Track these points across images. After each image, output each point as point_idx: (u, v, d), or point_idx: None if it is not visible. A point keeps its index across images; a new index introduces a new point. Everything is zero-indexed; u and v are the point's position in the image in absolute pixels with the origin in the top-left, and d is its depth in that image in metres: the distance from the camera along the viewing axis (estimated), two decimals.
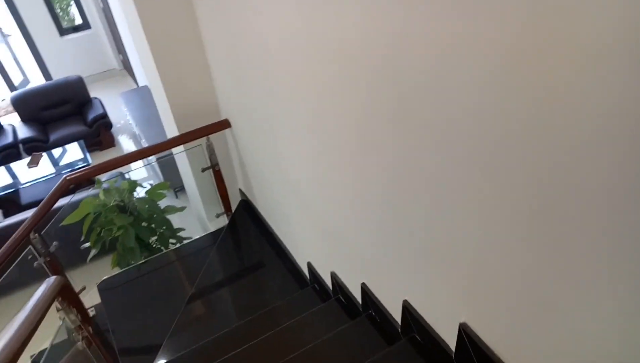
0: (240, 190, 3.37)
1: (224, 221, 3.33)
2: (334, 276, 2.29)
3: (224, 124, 2.97)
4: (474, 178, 1.03)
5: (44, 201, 2.69)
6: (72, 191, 4.01)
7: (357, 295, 2.09)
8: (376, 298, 1.93)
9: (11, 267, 2.64)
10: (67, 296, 1.61)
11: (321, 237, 2.22)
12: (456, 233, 1.19)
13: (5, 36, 8.14)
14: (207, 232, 3.41)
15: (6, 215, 5.11)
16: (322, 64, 1.46)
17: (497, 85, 0.86)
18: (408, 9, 0.99)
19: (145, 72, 3.40)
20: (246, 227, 3.27)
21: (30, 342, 1.40)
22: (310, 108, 1.69)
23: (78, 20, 7.45)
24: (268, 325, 2.46)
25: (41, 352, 2.60)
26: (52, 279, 1.59)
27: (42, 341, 2.55)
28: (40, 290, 1.49)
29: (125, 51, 6.53)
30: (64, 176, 2.65)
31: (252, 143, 2.68)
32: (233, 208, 3.33)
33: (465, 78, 0.92)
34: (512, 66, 0.81)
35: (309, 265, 2.56)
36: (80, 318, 1.66)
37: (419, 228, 1.35)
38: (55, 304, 1.57)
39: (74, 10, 7.47)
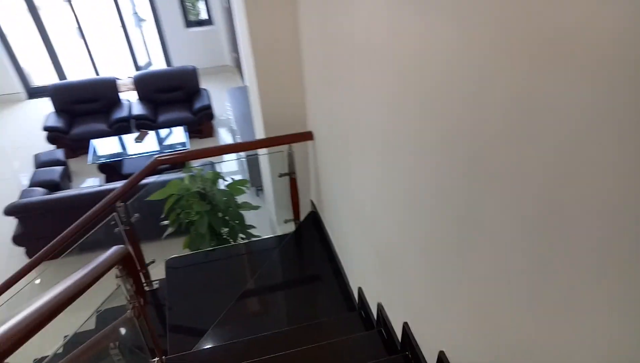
0: (311, 201, 3.44)
1: (291, 227, 3.42)
2: (380, 308, 2.26)
3: (308, 136, 3.07)
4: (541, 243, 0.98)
5: (134, 175, 2.95)
6: (164, 171, 4.36)
7: (399, 332, 2.04)
8: (415, 341, 1.88)
9: (97, 227, 2.94)
10: (127, 266, 1.75)
11: (375, 266, 2.21)
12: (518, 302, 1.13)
13: (140, 21, 9.04)
14: (274, 235, 3.52)
15: (107, 180, 5.67)
16: (401, 90, 1.47)
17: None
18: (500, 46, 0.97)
19: (247, 72, 3.61)
20: (310, 238, 3.33)
21: (89, 297, 1.56)
22: (383, 135, 1.71)
23: (203, 16, 8.08)
24: (308, 338, 2.48)
25: (110, 309, 2.86)
26: (117, 247, 1.74)
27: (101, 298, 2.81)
28: (104, 255, 1.65)
29: (238, 50, 6.96)
30: (155, 156, 2.88)
31: (329, 159, 2.74)
32: (302, 217, 3.41)
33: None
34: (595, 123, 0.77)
35: (360, 291, 2.54)
36: (134, 288, 1.80)
37: (473, 283, 1.30)
38: (116, 271, 1.72)
39: (201, 5, 8.13)
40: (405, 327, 1.94)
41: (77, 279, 1.36)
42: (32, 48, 7.61)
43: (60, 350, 2.92)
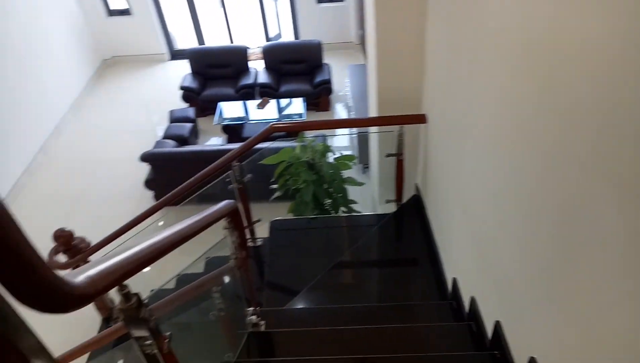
0: (415, 185, 3.39)
1: (392, 208, 3.41)
2: (473, 302, 2.19)
3: (421, 119, 3.00)
4: None
5: (251, 138, 3.15)
6: (279, 138, 4.57)
7: (489, 329, 1.97)
8: (506, 341, 1.80)
9: (213, 181, 3.20)
10: (234, 220, 1.90)
11: (474, 260, 2.13)
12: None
13: None
14: (374, 213, 3.54)
15: (229, 141, 6.11)
16: (536, 84, 1.37)
17: None
18: None
19: (368, 49, 3.61)
20: (410, 221, 3.29)
21: (201, 245, 1.72)
22: (505, 131, 1.62)
23: None
24: (396, 318, 2.50)
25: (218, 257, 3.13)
26: (228, 202, 1.89)
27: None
28: (215, 207, 1.80)
29: (365, 28, 6.96)
30: (271, 124, 3.04)
31: (441, 146, 2.66)
32: (404, 199, 3.37)
33: None
34: None
35: (454, 281, 2.48)
36: (238, 241, 1.94)
37: (576, 291, 1.21)
38: (225, 223, 1.87)
39: None
40: (497, 326, 1.86)
41: (190, 223, 1.51)
42: (179, 14, 8.35)
43: (173, 285, 3.27)
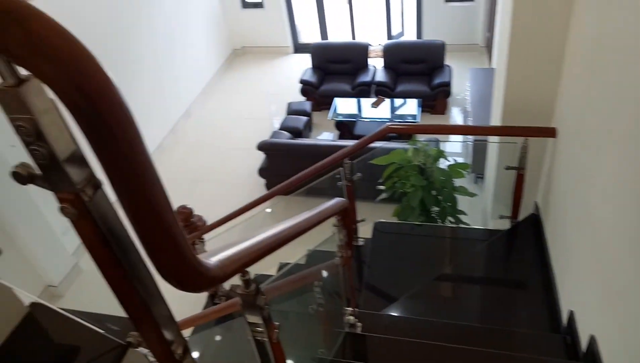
0: (535, 203, 3.15)
1: (505, 225, 3.21)
2: (592, 342, 1.98)
3: (550, 133, 2.78)
4: None
5: (365, 137, 3.16)
6: (391, 138, 4.53)
7: None
8: None
9: (324, 176, 3.27)
10: (345, 218, 1.92)
11: (599, 294, 1.93)
12: None
13: None
14: (485, 227, 3.36)
15: (340, 137, 6.19)
16: None
17: None
18: None
19: (497, 54, 3.42)
20: (524, 241, 3.08)
21: (308, 236, 1.79)
22: None
23: None
24: (498, 343, 2.36)
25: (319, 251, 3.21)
26: (340, 200, 1.92)
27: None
28: (329, 203, 1.83)
29: (493, 30, 6.61)
30: (387, 124, 3.01)
31: (571, 163, 2.44)
32: (520, 217, 3.16)
33: None
34: None
35: (571, 315, 2.26)
36: (346, 240, 1.96)
37: None
38: (334, 220, 1.90)
39: None
40: None
41: (306, 217, 1.55)
42: (307, 8, 8.63)
43: (274, 273, 3.41)
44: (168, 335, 0.82)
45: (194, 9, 7.34)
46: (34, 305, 1.22)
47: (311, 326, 2.40)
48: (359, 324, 2.22)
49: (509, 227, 3.17)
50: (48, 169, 0.59)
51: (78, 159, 0.62)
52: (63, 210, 0.61)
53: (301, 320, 2.51)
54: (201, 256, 0.78)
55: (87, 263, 4.70)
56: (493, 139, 3.54)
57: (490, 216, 3.53)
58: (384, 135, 3.08)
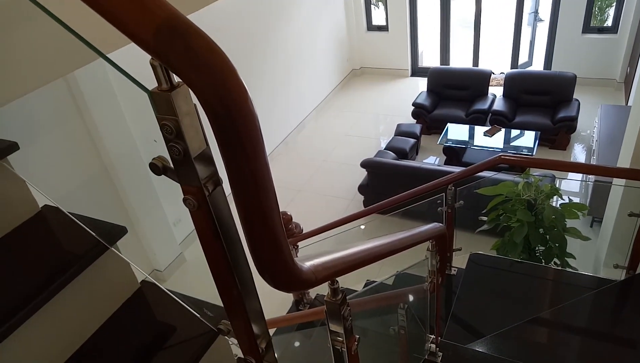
0: None
1: (618, 275, 2.92)
2: None
3: None
4: None
5: (475, 165, 3.09)
6: (502, 169, 4.35)
7: None
8: None
9: (425, 200, 3.25)
10: (440, 243, 1.90)
11: None
12: None
13: (537, 20, 8.84)
14: (594, 275, 3.08)
15: (446, 163, 6.06)
16: None
17: None
18: None
19: (635, 89, 3.15)
20: (636, 295, 2.77)
21: (398, 258, 1.81)
22: None
23: (608, 22, 7.26)
24: None
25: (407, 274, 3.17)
26: (438, 225, 1.91)
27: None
28: (427, 226, 1.84)
29: (635, 66, 6.04)
30: (499, 154, 2.91)
31: None
32: (639, 269, 2.85)
33: None
34: None
35: None
36: (438, 266, 1.94)
37: None
38: (429, 244, 1.89)
39: (610, 11, 7.30)
40: None
41: (401, 237, 1.58)
42: (431, 32, 8.60)
43: (360, 289, 3.43)
44: (256, 328, 0.91)
45: (322, 28, 7.70)
46: (145, 283, 1.39)
47: (390, 347, 2.39)
48: (440, 354, 2.16)
49: (624, 278, 2.87)
50: (180, 164, 0.70)
51: (206, 158, 0.73)
52: (186, 201, 0.73)
53: (381, 339, 2.51)
54: (297, 259, 0.85)
55: (191, 254, 5.14)
56: (618, 181, 3.24)
57: (602, 264, 3.23)
58: (495, 165, 2.99)
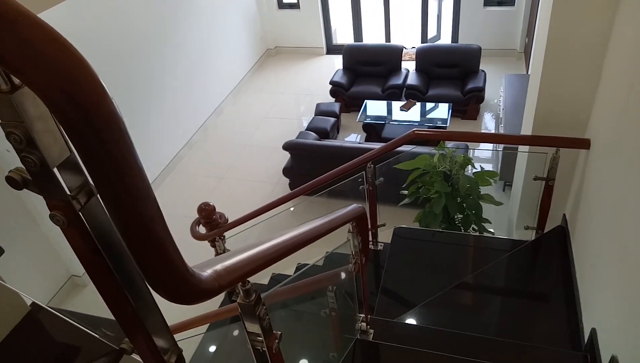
0: (563, 215, 3.04)
1: (529, 236, 3.12)
2: (613, 362, 1.90)
3: (583, 144, 2.68)
4: None
5: (390, 142, 3.13)
6: (417, 142, 4.47)
7: None
8: None
9: (346, 180, 3.26)
10: (360, 225, 1.90)
11: (624, 313, 1.85)
12: None
13: None
14: (508, 237, 3.28)
15: (367, 139, 6.16)
16: None
17: None
18: None
19: (532, 59, 3.33)
20: (549, 254, 2.98)
21: (330, 237, 1.79)
22: None
23: None
24: (513, 357, 2.30)
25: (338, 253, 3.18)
26: (355, 206, 1.90)
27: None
28: (343, 210, 1.82)
29: (532, 36, 6.43)
30: (413, 129, 2.97)
31: (604, 177, 2.35)
32: (546, 229, 3.06)
33: None
34: None
35: (592, 332, 2.18)
36: (360, 246, 1.94)
37: None
38: (349, 226, 1.88)
39: None
40: None
41: (318, 224, 1.55)
42: (342, 9, 8.61)
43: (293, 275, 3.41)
44: (161, 343, 0.82)
45: (231, 7, 7.43)
46: (35, 306, 1.24)
47: (324, 329, 2.39)
48: (371, 331, 2.19)
49: (534, 238, 3.08)
50: (39, 176, 0.59)
51: (72, 166, 0.63)
52: (53, 218, 0.62)
53: (315, 322, 2.51)
54: (197, 266, 0.78)
55: None
56: (523, 148, 3.44)
57: (515, 227, 3.44)
58: (408, 140, 3.04)
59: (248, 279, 0.96)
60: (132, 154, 0.58)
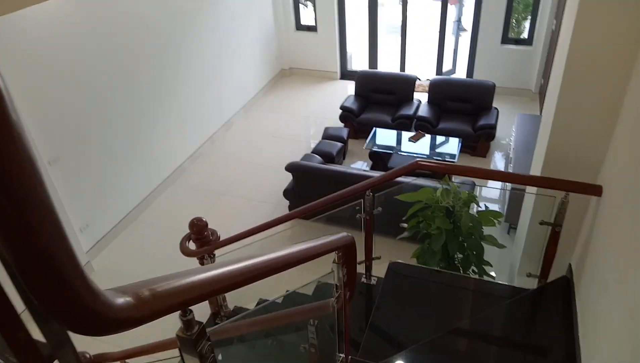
0: (569, 266, 2.86)
1: (532, 284, 2.94)
2: None
3: (595, 191, 2.53)
4: None
5: (392, 170, 3.00)
6: (422, 175, 4.33)
7: None
8: None
9: (343, 206, 3.12)
10: (347, 255, 1.75)
11: None
12: None
13: (460, 30, 9.16)
14: (510, 284, 3.09)
15: (372, 167, 6.03)
16: None
17: None
18: None
19: (547, 98, 3.22)
20: (552, 306, 2.79)
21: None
22: None
23: (524, 34, 7.61)
24: None
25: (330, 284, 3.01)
26: (346, 235, 1.76)
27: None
28: (330, 237, 1.67)
29: (548, 77, 6.34)
30: (416, 159, 2.84)
31: (616, 228, 2.18)
32: (550, 278, 2.88)
33: None
34: None
35: None
36: (345, 278, 1.79)
37: None
38: (336, 256, 1.74)
39: (526, 23, 7.65)
40: None
41: (297, 250, 1.42)
42: (360, 36, 8.62)
43: (280, 300, 3.23)
44: None
45: (249, 24, 7.46)
46: None
47: None
48: None
49: (537, 287, 2.89)
50: None
51: None
52: None
53: (293, 357, 2.33)
54: (112, 291, 0.64)
55: (100, 263, 4.72)
56: (531, 189, 3.29)
57: (517, 273, 3.25)
58: (411, 170, 2.91)
59: (190, 308, 0.82)
60: (29, 168, 0.46)
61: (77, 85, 4.36)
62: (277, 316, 2.07)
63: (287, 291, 1.87)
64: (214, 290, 0.83)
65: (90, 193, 4.66)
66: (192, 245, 3.41)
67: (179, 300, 0.74)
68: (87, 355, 2.49)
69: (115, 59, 4.76)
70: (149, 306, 0.67)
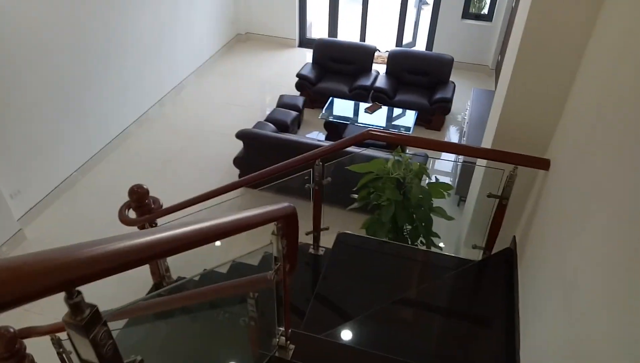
0: (513, 237, 2.90)
1: (477, 256, 2.96)
2: None
3: (542, 164, 2.54)
4: None
5: (342, 140, 2.90)
6: (374, 146, 4.27)
7: None
8: None
9: (291, 176, 3.01)
10: (288, 226, 1.65)
11: (563, 348, 1.68)
12: None
13: (422, 3, 9.06)
14: (456, 255, 3.11)
15: (327, 138, 5.93)
16: None
17: None
18: None
19: (501, 74, 3.20)
20: (494, 277, 2.83)
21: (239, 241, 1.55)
22: None
23: (484, 10, 7.60)
24: None
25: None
26: (286, 205, 1.65)
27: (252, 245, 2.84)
28: (269, 207, 1.57)
29: (504, 54, 6.38)
30: (368, 129, 2.76)
31: (560, 202, 2.19)
32: (494, 250, 2.91)
33: None
34: None
35: None
36: (285, 251, 1.70)
37: None
38: (275, 227, 1.63)
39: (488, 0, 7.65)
40: None
41: (230, 220, 1.31)
42: (320, 3, 8.34)
43: (225, 272, 3.12)
44: None
45: None
46: None
47: (242, 339, 2.14)
48: (292, 347, 1.95)
49: (481, 258, 2.92)
50: None
51: None
52: None
53: (237, 331, 2.24)
54: None
55: (33, 231, 4.44)
56: (481, 162, 3.29)
57: (463, 244, 3.28)
58: (363, 140, 2.82)
59: (78, 289, 0.69)
60: None
61: (7, 35, 3.97)
62: (217, 288, 1.96)
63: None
64: (106, 269, 0.70)
65: (21, 157, 4.32)
66: (132, 214, 3.22)
67: (56, 280, 0.61)
68: (11, 330, 2.30)
69: (56, 12, 4.37)
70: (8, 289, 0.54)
